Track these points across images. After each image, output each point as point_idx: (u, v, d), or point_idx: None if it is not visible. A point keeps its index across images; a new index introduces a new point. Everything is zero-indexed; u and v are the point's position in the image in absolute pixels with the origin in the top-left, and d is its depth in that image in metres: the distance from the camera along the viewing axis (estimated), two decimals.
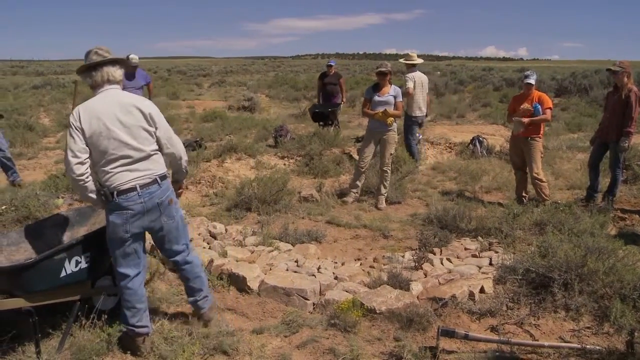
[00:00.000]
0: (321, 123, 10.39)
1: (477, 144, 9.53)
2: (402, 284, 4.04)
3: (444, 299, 3.81)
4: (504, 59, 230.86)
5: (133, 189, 3.04)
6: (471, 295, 3.92)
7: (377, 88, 6.65)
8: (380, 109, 6.47)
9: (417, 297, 3.90)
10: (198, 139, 9.88)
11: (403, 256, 4.84)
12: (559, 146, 9.92)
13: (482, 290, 3.98)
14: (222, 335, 3.40)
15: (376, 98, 6.52)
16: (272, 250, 4.87)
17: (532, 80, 6.31)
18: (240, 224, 5.79)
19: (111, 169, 3.03)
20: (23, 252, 3.50)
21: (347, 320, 3.56)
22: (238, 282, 4.17)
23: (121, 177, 3.04)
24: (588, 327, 3.56)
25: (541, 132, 6.42)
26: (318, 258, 4.87)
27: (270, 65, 65.87)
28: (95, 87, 3.12)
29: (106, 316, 3.44)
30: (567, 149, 9.81)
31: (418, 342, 3.43)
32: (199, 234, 5.24)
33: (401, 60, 8.45)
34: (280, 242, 5.14)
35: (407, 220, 6.16)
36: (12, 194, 5.89)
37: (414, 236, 5.47)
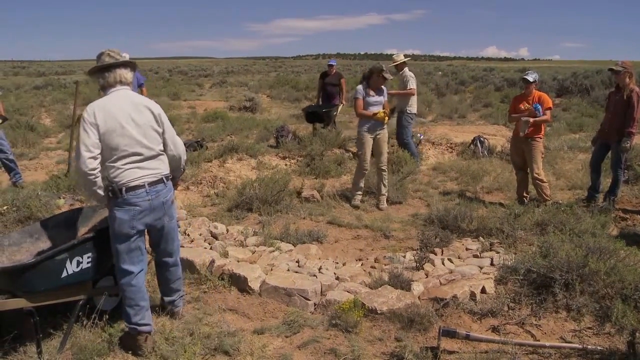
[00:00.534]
0: (318, 125, 10.21)
1: (479, 144, 9.53)
2: (403, 284, 4.04)
3: (445, 299, 3.80)
4: (505, 59, 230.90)
5: (142, 186, 3.14)
6: (472, 295, 3.92)
7: (368, 88, 6.52)
8: (376, 109, 6.46)
9: (419, 298, 3.89)
10: (199, 140, 9.90)
11: (404, 256, 4.84)
12: (560, 146, 9.91)
13: (483, 291, 3.98)
14: (224, 336, 3.40)
15: (371, 98, 6.48)
16: (273, 251, 4.87)
17: (529, 77, 6.30)
18: (242, 224, 5.79)
19: (122, 165, 3.11)
20: (24, 253, 3.51)
21: (348, 320, 3.56)
22: (239, 283, 4.17)
23: (131, 174, 3.13)
24: (589, 328, 3.56)
25: (542, 132, 6.41)
26: (319, 258, 4.87)
27: (272, 66, 65.93)
28: (106, 88, 3.23)
29: (107, 316, 3.46)
30: (568, 149, 9.79)
31: (419, 342, 3.43)
32: (200, 234, 5.25)
33: (391, 64, 8.43)
34: (281, 242, 5.13)
35: (409, 220, 6.16)
36: (14, 194, 5.89)
37: (415, 236, 5.47)
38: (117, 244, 3.19)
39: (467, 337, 3.30)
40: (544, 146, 6.65)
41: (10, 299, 3.06)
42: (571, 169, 8.27)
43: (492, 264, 4.51)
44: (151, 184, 3.18)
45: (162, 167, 3.28)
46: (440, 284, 4.13)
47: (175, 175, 3.52)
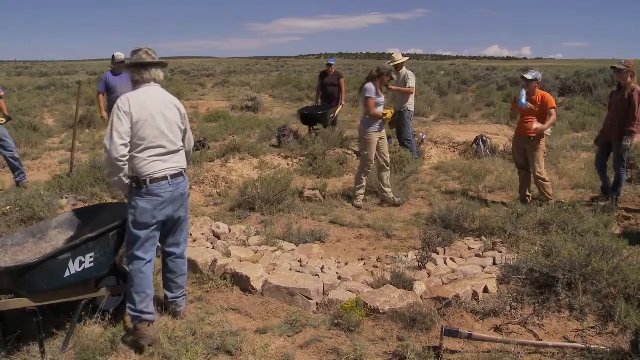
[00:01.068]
0: (315, 127, 10.03)
1: (481, 143, 9.52)
2: (405, 284, 4.04)
3: (448, 298, 3.80)
4: (508, 59, 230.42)
5: (165, 178, 3.32)
6: (475, 295, 3.92)
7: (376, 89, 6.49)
8: (381, 109, 6.47)
9: (421, 297, 3.89)
10: (202, 139, 9.89)
11: (406, 256, 4.83)
12: (563, 146, 9.90)
13: (485, 290, 3.97)
14: (226, 335, 3.41)
15: (379, 99, 6.49)
16: (276, 250, 4.87)
17: (528, 76, 6.29)
18: (244, 223, 5.79)
19: (148, 156, 3.28)
20: (27, 253, 3.52)
21: (350, 320, 3.56)
22: (242, 282, 4.17)
23: (155, 166, 3.31)
24: (592, 327, 3.55)
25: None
26: (321, 258, 4.87)
27: (274, 65, 65.92)
28: (139, 83, 3.42)
29: (110, 316, 3.46)
30: (571, 148, 9.79)
31: (422, 342, 3.43)
32: (203, 234, 5.25)
33: (390, 63, 8.45)
34: (283, 242, 5.13)
35: (411, 220, 6.15)
36: (17, 194, 5.91)
37: (418, 236, 5.47)
38: (136, 231, 3.31)
39: (470, 337, 3.29)
40: (546, 145, 6.64)
41: (14, 298, 3.07)
42: (574, 168, 8.25)
43: (494, 264, 4.50)
44: (173, 176, 3.37)
45: (182, 161, 3.50)
46: (443, 283, 4.12)
47: None
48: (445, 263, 4.59)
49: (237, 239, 5.19)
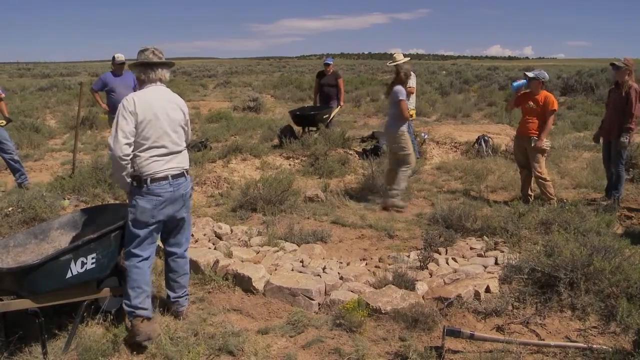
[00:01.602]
0: (310, 129, 9.85)
1: (483, 143, 9.51)
2: (407, 284, 4.03)
3: (450, 298, 3.80)
4: (510, 58, 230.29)
5: (165, 177, 3.33)
6: (477, 294, 3.91)
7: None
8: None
9: (423, 297, 3.89)
10: (203, 140, 9.90)
11: (408, 256, 4.83)
12: (565, 145, 9.88)
13: (487, 290, 3.97)
14: (228, 336, 3.41)
15: (408, 101, 6.69)
16: (278, 251, 4.88)
17: (530, 74, 6.31)
18: (246, 224, 5.80)
19: (150, 156, 3.29)
20: (29, 254, 3.52)
21: (352, 320, 3.56)
22: (243, 283, 4.17)
23: (157, 166, 3.32)
24: (594, 327, 3.55)
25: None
26: (323, 258, 4.87)
27: (276, 66, 65.92)
28: (145, 83, 3.43)
29: (112, 317, 3.47)
30: (573, 147, 9.77)
31: (423, 342, 3.43)
32: (205, 235, 5.25)
33: (391, 63, 8.45)
34: (285, 242, 5.14)
35: (413, 220, 6.15)
36: (19, 195, 5.92)
37: (420, 236, 5.46)
38: (135, 230, 3.32)
39: (472, 337, 3.29)
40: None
41: (16, 299, 3.08)
42: (576, 168, 8.24)
43: (496, 263, 4.50)
44: (174, 176, 3.37)
45: (184, 162, 3.51)
46: (445, 283, 4.12)
47: None
48: (447, 263, 4.59)
49: (238, 239, 5.20)
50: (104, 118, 11.21)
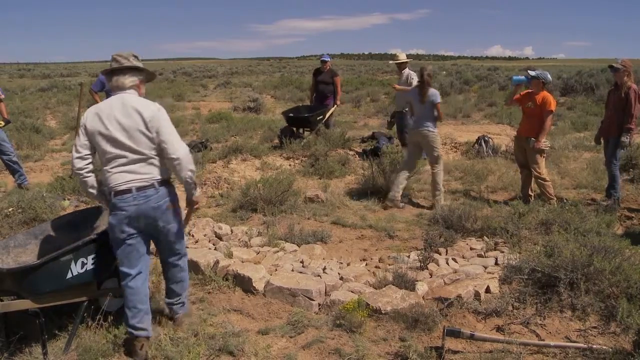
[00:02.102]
0: (304, 130, 9.72)
1: (483, 143, 9.51)
2: (407, 284, 4.04)
3: (450, 299, 3.80)
4: (510, 59, 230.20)
5: (129, 190, 3.11)
6: (477, 295, 3.92)
7: None
8: None
9: (423, 297, 3.89)
10: (204, 140, 9.91)
11: (408, 256, 4.83)
12: (565, 145, 9.88)
13: (487, 290, 3.97)
14: (228, 336, 3.41)
15: None
16: (278, 251, 4.88)
17: (532, 72, 6.31)
18: (246, 224, 5.80)
19: (110, 168, 3.15)
20: (30, 254, 3.52)
21: (352, 320, 3.56)
22: (244, 283, 4.17)
23: (118, 178, 3.13)
24: (594, 327, 3.55)
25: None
26: (323, 258, 4.87)
27: (276, 66, 65.90)
28: (110, 91, 3.36)
29: (112, 317, 3.47)
30: (573, 148, 9.77)
31: (423, 342, 3.43)
32: (205, 235, 5.26)
33: (392, 62, 8.49)
34: (285, 242, 5.14)
35: (413, 220, 6.15)
36: (19, 196, 5.92)
37: (420, 236, 5.47)
38: (114, 247, 3.24)
39: (472, 337, 3.29)
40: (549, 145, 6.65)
41: (16, 300, 3.08)
42: (576, 168, 8.24)
43: (496, 264, 4.50)
44: (140, 188, 3.12)
45: (154, 171, 3.18)
46: (445, 283, 4.12)
47: (187, 192, 3.38)
48: (447, 263, 4.59)
49: (239, 240, 5.20)
50: None
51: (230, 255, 4.64)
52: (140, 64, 3.29)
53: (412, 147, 6.92)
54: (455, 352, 3.31)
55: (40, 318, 3.06)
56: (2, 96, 7.19)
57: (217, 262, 4.41)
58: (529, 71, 6.39)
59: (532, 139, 6.25)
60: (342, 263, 4.75)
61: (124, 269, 3.24)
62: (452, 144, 10.34)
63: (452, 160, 9.26)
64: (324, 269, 4.48)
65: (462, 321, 3.65)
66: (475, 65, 57.17)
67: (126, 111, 3.12)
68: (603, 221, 5.08)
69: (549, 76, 6.37)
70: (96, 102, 8.38)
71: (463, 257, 4.77)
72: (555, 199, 6.29)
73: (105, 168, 3.16)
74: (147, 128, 3.11)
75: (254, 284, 4.10)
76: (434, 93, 6.69)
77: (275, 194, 6.29)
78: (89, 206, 5.75)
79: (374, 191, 7.03)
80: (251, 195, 6.31)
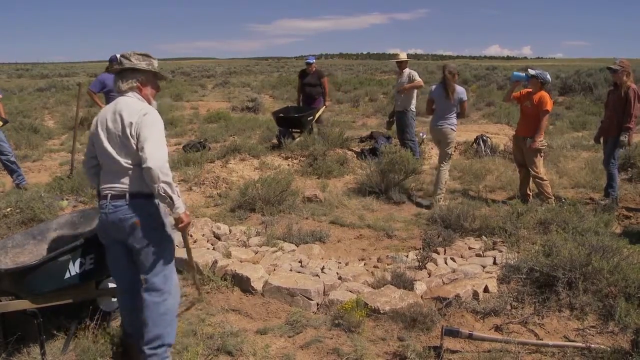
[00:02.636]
0: (294, 131, 9.58)
1: (481, 143, 9.52)
2: (406, 284, 4.04)
3: (448, 298, 3.80)
4: (508, 58, 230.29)
5: (105, 197, 2.97)
6: (475, 294, 3.92)
7: None
8: None
9: (421, 297, 3.89)
10: (202, 140, 9.90)
11: (407, 256, 4.83)
12: (563, 145, 9.89)
13: (486, 290, 3.97)
14: (226, 336, 3.42)
15: None
16: (276, 251, 4.88)
17: (531, 71, 6.32)
18: (244, 224, 5.80)
19: (101, 171, 3.07)
20: (28, 254, 3.52)
21: (350, 320, 3.56)
22: (242, 283, 4.17)
23: (102, 183, 3.03)
24: (593, 326, 3.55)
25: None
26: (322, 258, 4.87)
27: (274, 66, 65.85)
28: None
29: (111, 317, 3.46)
30: (571, 147, 9.78)
31: (422, 341, 3.43)
32: (203, 235, 5.25)
33: (393, 60, 8.50)
34: (284, 242, 5.14)
35: (411, 219, 6.15)
36: (17, 196, 5.91)
37: (418, 236, 5.47)
38: None
39: (470, 337, 3.29)
40: (546, 144, 6.65)
41: (14, 300, 3.07)
42: (574, 168, 8.25)
43: (494, 263, 4.50)
44: (113, 197, 2.93)
45: (127, 182, 2.92)
46: (443, 283, 4.12)
47: (168, 207, 2.93)
48: (446, 263, 4.59)
49: (237, 239, 5.20)
50: None
51: (228, 255, 4.64)
52: (140, 64, 3.05)
53: (437, 143, 7.19)
54: (453, 352, 3.31)
55: (38, 318, 3.06)
56: (0, 96, 7.18)
57: (215, 262, 4.41)
58: (529, 70, 6.40)
59: (529, 138, 6.26)
60: (340, 263, 4.75)
61: (114, 280, 3.24)
62: None
63: (451, 160, 9.24)
64: (323, 268, 4.48)
65: (461, 321, 3.65)
66: (473, 64, 57.19)
67: (114, 116, 2.94)
68: (601, 220, 5.08)
69: (548, 77, 6.37)
70: (95, 102, 8.37)
71: (461, 257, 4.78)
72: (553, 198, 6.30)
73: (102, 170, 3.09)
74: (127, 134, 2.87)
75: (252, 284, 4.10)
76: (461, 91, 6.88)
77: (273, 194, 6.29)
78: (87, 206, 5.75)
79: (372, 191, 7.03)
80: (249, 195, 6.30)
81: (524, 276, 3.96)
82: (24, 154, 9.80)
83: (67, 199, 6.34)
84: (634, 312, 3.29)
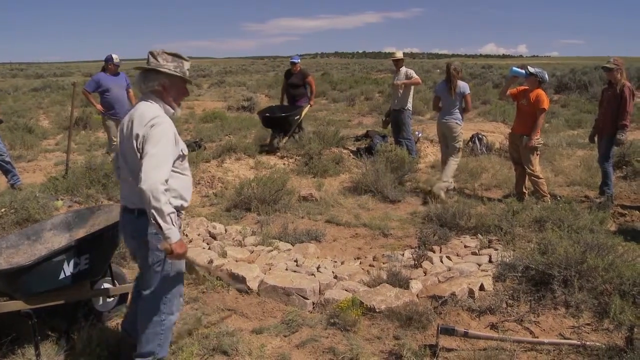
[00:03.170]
0: (280, 132, 9.36)
1: (477, 141, 9.54)
2: (401, 283, 4.04)
3: (444, 297, 3.80)
4: (504, 56, 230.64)
5: (122, 208, 2.89)
6: (471, 292, 3.92)
7: None
8: None
9: (417, 296, 3.90)
10: (197, 140, 9.88)
11: (402, 254, 4.83)
12: (559, 143, 9.91)
13: (481, 288, 3.98)
14: (222, 336, 3.40)
15: None
16: (272, 250, 4.87)
17: (531, 69, 6.34)
18: (240, 224, 5.79)
19: (120, 177, 2.95)
20: (22, 255, 3.50)
21: (346, 319, 3.55)
22: (238, 282, 4.16)
23: (120, 188, 2.94)
24: (588, 324, 3.56)
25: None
26: (317, 257, 4.86)
27: (270, 65, 65.77)
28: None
29: (105, 317, 3.45)
30: (567, 145, 9.80)
31: (418, 340, 3.43)
32: (199, 235, 5.25)
33: (390, 59, 8.56)
34: (279, 241, 5.13)
35: (407, 218, 6.16)
36: (12, 196, 5.88)
37: (414, 234, 5.47)
38: None
39: (466, 335, 3.30)
40: (542, 142, 6.66)
41: (8, 301, 3.06)
42: (570, 166, 8.27)
43: (490, 261, 4.51)
44: (124, 209, 2.83)
45: (133, 197, 2.73)
46: (439, 281, 4.12)
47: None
48: (441, 261, 4.60)
49: (233, 239, 5.19)
50: (98, 118, 11.15)
51: (224, 255, 4.64)
52: (166, 66, 2.77)
53: (442, 138, 7.45)
54: (449, 350, 3.31)
55: (32, 319, 3.04)
56: None
57: (211, 262, 4.41)
58: (529, 67, 6.41)
59: (525, 136, 6.27)
60: (336, 262, 4.74)
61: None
62: None
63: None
64: (318, 267, 4.48)
65: (456, 319, 3.66)
66: (469, 63, 57.27)
67: (129, 124, 2.72)
68: (596, 218, 5.09)
69: (546, 75, 6.40)
70: (91, 103, 8.32)
71: (457, 255, 4.78)
72: (549, 196, 6.32)
73: None
74: (134, 147, 2.65)
75: (247, 283, 4.09)
76: (463, 85, 7.23)
77: (269, 193, 6.29)
78: (82, 206, 5.73)
79: (367, 190, 7.03)
80: (245, 194, 6.30)
81: (520, 274, 3.97)
82: (18, 154, 9.76)
83: (62, 199, 6.31)
84: (628, 310, 3.30)
